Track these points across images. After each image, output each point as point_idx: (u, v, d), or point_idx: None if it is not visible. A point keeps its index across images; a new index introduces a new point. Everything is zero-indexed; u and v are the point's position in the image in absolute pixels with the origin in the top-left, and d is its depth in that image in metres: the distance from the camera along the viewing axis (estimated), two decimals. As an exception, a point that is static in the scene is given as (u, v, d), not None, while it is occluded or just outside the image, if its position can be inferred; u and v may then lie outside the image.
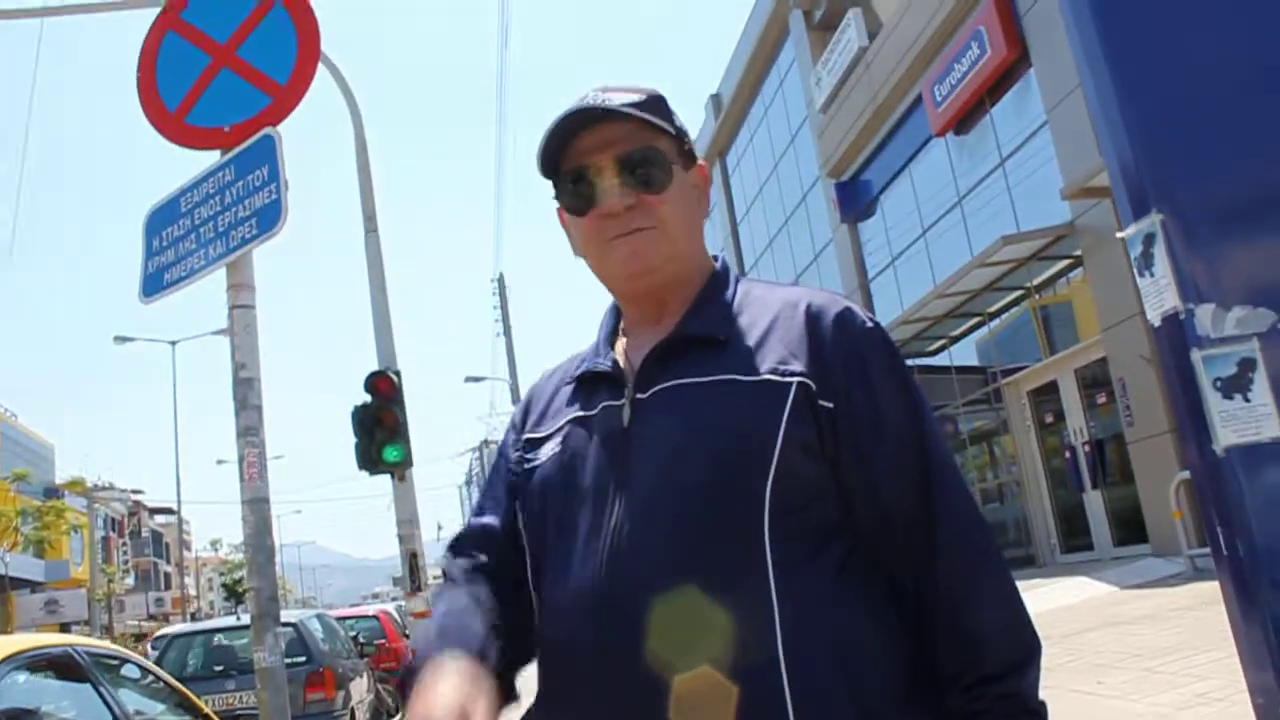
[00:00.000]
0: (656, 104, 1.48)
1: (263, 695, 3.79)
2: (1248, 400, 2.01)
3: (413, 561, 9.90)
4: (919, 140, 18.92)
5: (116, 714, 3.95)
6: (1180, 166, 2.14)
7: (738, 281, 1.53)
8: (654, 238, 1.45)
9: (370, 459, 9.69)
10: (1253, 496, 2.00)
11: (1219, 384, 2.03)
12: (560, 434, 1.49)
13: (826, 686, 1.24)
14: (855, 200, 22.21)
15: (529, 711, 1.44)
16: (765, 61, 26.97)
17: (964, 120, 16.95)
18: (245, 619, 6.67)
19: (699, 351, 1.41)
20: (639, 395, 1.42)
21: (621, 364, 1.48)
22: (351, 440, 9.69)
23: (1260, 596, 2.00)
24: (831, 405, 1.33)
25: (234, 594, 56.11)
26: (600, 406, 1.45)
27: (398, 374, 9.90)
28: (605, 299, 1.63)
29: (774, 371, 1.34)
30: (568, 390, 1.55)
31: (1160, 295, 2.12)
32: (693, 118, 31.84)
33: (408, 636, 13.25)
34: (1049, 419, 16.11)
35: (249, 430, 3.87)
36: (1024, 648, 1.33)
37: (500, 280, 36.73)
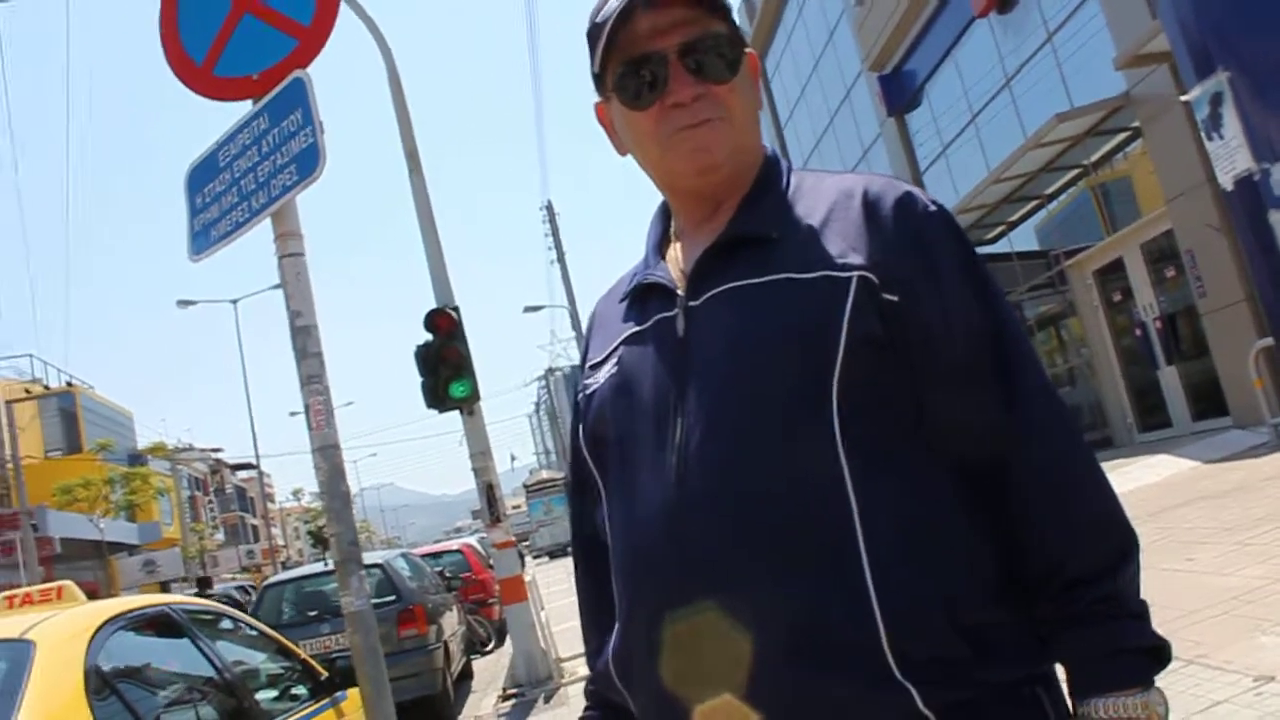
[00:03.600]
0: None
1: (355, 638, 3.86)
2: (1332, 258, 1.93)
3: (490, 493, 10.03)
4: (960, 24, 18.40)
5: (217, 665, 4.06)
6: (1244, 20, 2.03)
7: (790, 172, 1.44)
8: (722, 129, 1.35)
9: (438, 396, 9.80)
10: (1343, 357, 1.92)
11: (1300, 244, 1.95)
12: (616, 354, 1.43)
13: (915, 593, 1.18)
14: (900, 92, 21.78)
15: (613, 643, 1.41)
16: (797, -42, 26.34)
17: (1006, -2, 16.43)
18: (333, 564, 6.85)
19: (751, 251, 1.32)
20: (691, 303, 1.34)
21: (673, 271, 1.41)
22: (419, 380, 9.81)
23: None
24: (896, 299, 1.25)
25: (320, 540, 57.66)
26: (654, 319, 1.39)
27: (456, 310, 9.95)
28: (656, 199, 1.55)
29: (832, 266, 1.26)
30: (622, 308, 1.48)
31: (1231, 157, 2.03)
32: (727, 24, 31.21)
33: (492, 567, 13.51)
34: (1117, 297, 15.80)
35: (312, 378, 3.90)
36: (1120, 545, 1.26)
37: (549, 207, 36.72)
